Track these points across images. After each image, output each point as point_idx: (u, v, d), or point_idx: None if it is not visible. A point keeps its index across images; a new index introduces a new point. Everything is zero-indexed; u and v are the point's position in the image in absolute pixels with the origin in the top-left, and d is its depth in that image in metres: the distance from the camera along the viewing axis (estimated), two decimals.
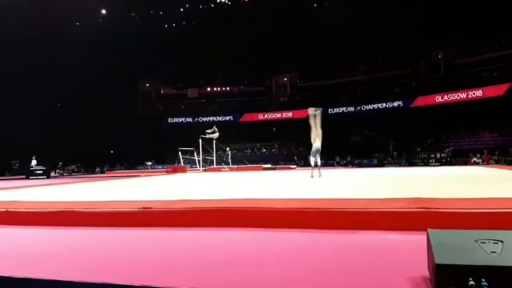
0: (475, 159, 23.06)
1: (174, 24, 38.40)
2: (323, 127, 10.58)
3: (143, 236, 3.72)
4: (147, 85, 44.45)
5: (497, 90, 28.42)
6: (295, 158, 32.31)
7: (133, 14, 36.62)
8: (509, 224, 2.84)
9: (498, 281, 1.81)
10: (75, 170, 31.58)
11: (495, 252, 1.92)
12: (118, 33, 34.15)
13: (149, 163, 32.69)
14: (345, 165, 28.45)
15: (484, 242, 1.98)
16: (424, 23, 31.82)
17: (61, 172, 29.12)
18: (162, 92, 45.71)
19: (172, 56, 37.41)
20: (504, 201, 3.83)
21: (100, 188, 8.95)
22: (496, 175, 9.73)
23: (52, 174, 24.62)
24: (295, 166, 26.78)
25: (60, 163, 29.86)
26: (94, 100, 33.85)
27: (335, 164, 29.55)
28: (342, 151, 30.41)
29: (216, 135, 23.24)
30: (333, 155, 30.67)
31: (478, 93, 29.43)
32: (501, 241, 1.98)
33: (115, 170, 31.35)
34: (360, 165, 27.10)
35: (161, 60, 37.11)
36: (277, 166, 24.67)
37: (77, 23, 33.33)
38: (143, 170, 28.70)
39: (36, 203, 5.55)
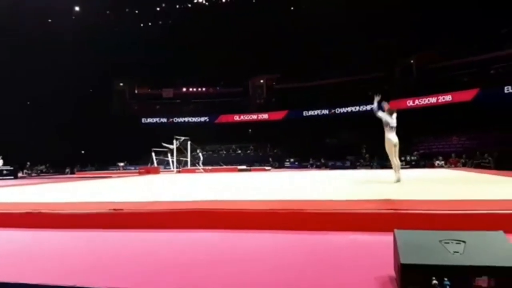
0: (438, 161, 23.89)
1: (150, 24, 37.93)
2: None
3: (113, 238, 3.65)
4: (121, 84, 43.66)
5: (466, 96, 29.42)
6: (270, 159, 32.49)
7: (107, 12, 35.95)
8: (471, 225, 2.95)
9: (460, 280, 1.88)
10: (44, 170, 30.66)
11: (457, 252, 1.99)
12: (93, 31, 33.47)
13: (122, 164, 32.10)
14: (319, 167, 28.77)
15: (448, 243, 2.05)
16: (398, 28, 32.60)
17: (29, 172, 28.22)
18: (136, 91, 45.00)
19: (148, 55, 36.96)
20: (468, 203, 3.97)
21: (69, 189, 8.72)
22: (462, 177, 10.05)
23: (20, 174, 23.83)
24: (270, 167, 26.90)
25: (28, 163, 28.94)
26: (65, 99, 32.99)
27: (309, 166, 29.86)
28: (317, 153, 30.76)
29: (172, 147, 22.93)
30: (307, 157, 31.02)
31: (448, 98, 30.40)
32: (464, 242, 2.05)
33: (85, 171, 30.61)
34: (334, 167, 27.49)
35: (136, 59, 36.62)
36: (252, 168, 24.70)
37: (50, 20, 32.46)
38: (115, 171, 28.14)
39: (1, 204, 5.35)
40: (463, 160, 23.46)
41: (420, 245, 2.04)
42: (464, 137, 28.32)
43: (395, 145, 7.55)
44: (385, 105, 7.89)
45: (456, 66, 32.18)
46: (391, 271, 2.20)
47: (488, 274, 1.89)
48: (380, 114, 7.68)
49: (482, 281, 1.89)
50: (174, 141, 22.54)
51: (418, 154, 26.55)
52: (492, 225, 2.70)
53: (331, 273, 2.36)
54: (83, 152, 35.48)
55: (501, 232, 2.13)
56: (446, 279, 1.85)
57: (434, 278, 1.87)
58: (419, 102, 32.06)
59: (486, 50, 30.41)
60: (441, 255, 1.97)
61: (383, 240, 2.78)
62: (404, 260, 1.96)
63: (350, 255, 2.79)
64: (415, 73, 35.15)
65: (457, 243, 2.05)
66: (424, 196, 4.98)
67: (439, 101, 30.88)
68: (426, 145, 29.53)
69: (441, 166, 23.00)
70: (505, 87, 27.59)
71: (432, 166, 23.79)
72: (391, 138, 7.52)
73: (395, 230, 2.19)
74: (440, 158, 24.18)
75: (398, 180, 7.57)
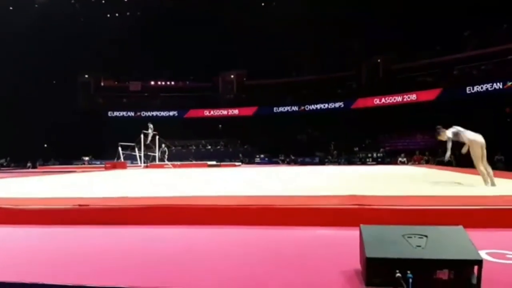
0: (400, 158, 24.78)
1: (117, 14, 36.91)
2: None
3: (78, 234, 3.56)
4: (86, 76, 42.20)
5: (430, 95, 30.48)
6: (240, 155, 32.50)
7: (72, 1, 34.72)
8: (433, 220, 3.07)
9: (422, 273, 1.96)
10: (4, 164, 29.40)
11: (420, 246, 2.07)
12: (57, 20, 32.19)
13: (87, 158, 31.20)
14: (288, 163, 29.06)
15: (411, 237, 2.13)
16: (366, 28, 33.23)
17: None
18: (102, 84, 43.69)
19: (115, 47, 35.90)
20: (430, 199, 4.14)
21: (32, 184, 8.41)
22: (425, 174, 10.43)
23: None
24: (240, 163, 26.93)
25: None
26: (27, 90, 31.70)
27: (279, 162, 30.11)
28: (286, 149, 31.07)
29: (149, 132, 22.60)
30: (277, 153, 31.29)
31: (413, 97, 31.39)
32: (426, 236, 2.13)
33: (48, 165, 29.53)
34: (303, 163, 27.85)
35: (102, 51, 35.52)
36: (222, 163, 24.64)
37: (11, 8, 30.97)
38: (79, 166, 27.33)
39: None
40: (426, 158, 24.31)
41: (385, 240, 2.11)
42: (428, 135, 29.33)
43: (482, 146, 6.07)
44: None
45: (421, 66, 33.26)
46: (357, 264, 2.26)
47: (448, 267, 1.98)
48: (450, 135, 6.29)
49: (443, 273, 1.98)
50: (142, 135, 22.08)
51: (384, 151, 27.33)
52: (451, 220, 2.82)
53: (299, 268, 2.40)
54: (46, 145, 34.22)
55: (460, 227, 2.22)
56: (409, 272, 1.92)
57: (397, 271, 1.94)
58: (386, 101, 32.93)
59: (450, 52, 31.59)
60: (405, 249, 2.04)
61: (349, 235, 2.84)
62: (369, 254, 2.02)
63: (318, 250, 2.84)
64: (382, 73, 36.01)
65: (419, 237, 2.12)
66: (388, 192, 5.13)
67: (405, 100, 31.85)
68: (391, 142, 30.39)
69: (403, 163, 23.84)
70: (467, 88, 28.78)
71: (396, 163, 24.60)
72: (477, 138, 6.07)
73: (361, 225, 2.25)
74: (402, 155, 25.05)
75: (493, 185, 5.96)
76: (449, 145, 6.29)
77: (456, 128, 6.35)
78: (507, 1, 25.91)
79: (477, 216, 3.34)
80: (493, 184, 5.97)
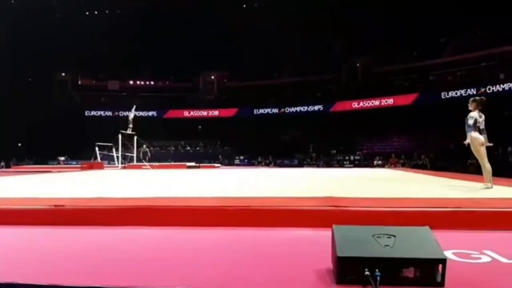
0: (375, 161, 25.35)
1: (96, 12, 36.31)
2: None
3: (54, 234, 3.53)
4: (63, 74, 41.31)
5: (406, 99, 31.18)
6: (220, 157, 32.46)
7: None
8: (402, 221, 3.18)
9: (389, 271, 2.06)
10: None
11: (388, 245, 2.17)
12: (33, 16, 31.42)
13: (62, 158, 30.54)
14: (268, 165, 29.17)
15: (380, 237, 2.23)
16: (346, 31, 33.66)
17: None
18: (79, 82, 42.88)
19: (93, 44, 35.25)
20: (400, 201, 4.29)
21: (5, 184, 8.21)
22: (400, 177, 10.67)
23: None
24: (219, 165, 26.89)
25: None
26: (1, 88, 30.81)
27: (256, 163, 30.19)
28: (266, 151, 31.17)
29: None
30: (257, 155, 31.37)
31: (390, 101, 32.03)
32: (394, 236, 2.24)
33: (22, 165, 28.76)
34: (282, 165, 28.02)
35: (80, 48, 34.83)
36: (201, 165, 24.53)
37: None
38: (55, 166, 26.71)
39: None
40: (402, 161, 24.85)
41: (355, 239, 2.20)
42: (404, 139, 29.99)
43: (482, 144, 6.15)
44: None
45: (398, 71, 33.99)
46: (329, 264, 2.34)
47: (414, 265, 2.09)
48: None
49: (409, 271, 2.09)
50: (119, 135, 21.82)
51: (361, 154, 27.80)
52: (419, 221, 2.95)
53: (273, 267, 2.46)
54: (19, 145, 33.34)
55: (427, 228, 2.34)
56: (377, 270, 2.01)
57: (366, 269, 2.03)
58: (364, 104, 33.49)
59: (426, 57, 32.41)
60: (374, 248, 2.14)
61: (323, 235, 2.92)
62: (340, 253, 2.11)
63: (293, 250, 2.92)
64: (361, 77, 36.58)
65: (388, 237, 2.22)
66: (363, 194, 5.26)
67: (382, 104, 32.47)
68: (368, 145, 30.90)
69: (378, 165, 24.35)
70: (442, 93, 29.58)
71: (372, 165, 25.08)
72: (477, 136, 6.14)
73: (333, 226, 2.34)
74: (377, 158, 25.60)
75: (491, 187, 5.99)
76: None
77: (477, 118, 6.11)
78: (482, 9, 26.77)
79: (445, 218, 3.49)
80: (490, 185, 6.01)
